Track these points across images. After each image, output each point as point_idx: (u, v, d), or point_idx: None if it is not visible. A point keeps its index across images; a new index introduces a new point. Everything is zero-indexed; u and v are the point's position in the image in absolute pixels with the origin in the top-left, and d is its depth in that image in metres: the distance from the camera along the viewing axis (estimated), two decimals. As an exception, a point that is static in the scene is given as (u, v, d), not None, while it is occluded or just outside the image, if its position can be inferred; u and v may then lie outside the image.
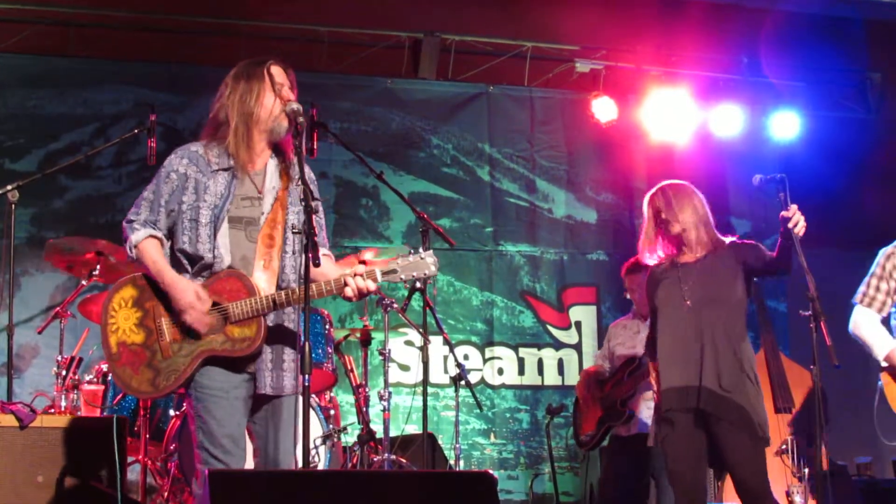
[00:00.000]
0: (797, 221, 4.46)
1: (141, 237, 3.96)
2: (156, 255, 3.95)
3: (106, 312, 3.99)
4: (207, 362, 3.92)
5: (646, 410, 6.02)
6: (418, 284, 5.68)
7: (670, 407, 4.79)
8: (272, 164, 4.08)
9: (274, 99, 4.01)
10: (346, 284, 3.88)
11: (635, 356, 6.05)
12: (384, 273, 3.90)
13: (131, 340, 3.95)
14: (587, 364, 8.28)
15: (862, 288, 5.23)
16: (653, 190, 5.05)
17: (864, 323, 5.18)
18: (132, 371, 3.93)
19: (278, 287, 4.00)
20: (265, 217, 4.01)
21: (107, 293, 4.06)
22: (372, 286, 3.89)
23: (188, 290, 3.88)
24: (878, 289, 5.18)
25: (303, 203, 3.80)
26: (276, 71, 4.06)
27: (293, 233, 3.98)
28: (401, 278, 3.93)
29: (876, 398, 5.20)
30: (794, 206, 4.48)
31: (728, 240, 4.96)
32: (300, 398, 3.83)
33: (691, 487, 4.77)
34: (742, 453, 4.70)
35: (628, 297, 6.34)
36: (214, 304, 3.93)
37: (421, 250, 3.94)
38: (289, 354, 4.01)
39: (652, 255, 5.02)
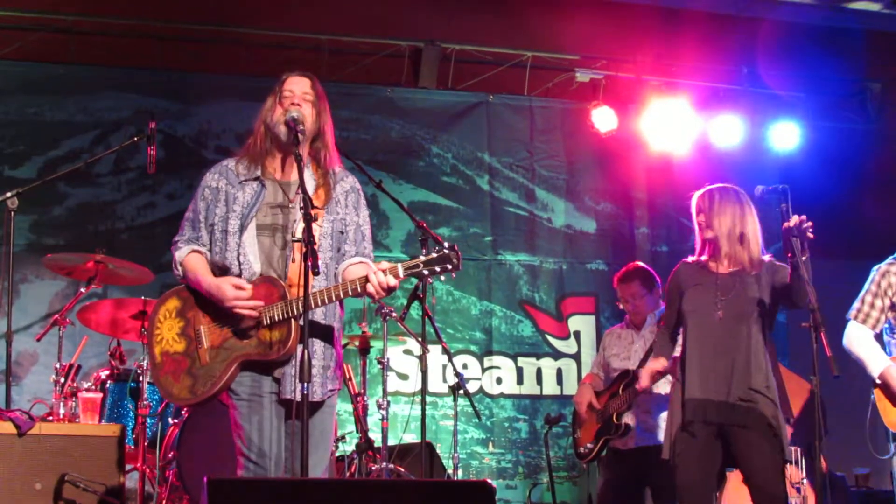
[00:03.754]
0: (808, 226, 4.44)
1: (184, 253, 4.12)
2: (195, 265, 4.08)
3: (152, 324, 4.15)
4: (243, 368, 4.01)
5: (642, 424, 6.00)
6: (419, 292, 5.69)
7: (693, 419, 4.72)
8: (307, 175, 4.14)
9: (276, 105, 4.16)
10: (368, 281, 3.93)
11: (629, 369, 6.04)
12: (407, 269, 3.93)
13: (173, 350, 4.09)
14: (586, 374, 8.26)
15: (856, 304, 5.25)
16: (701, 190, 4.96)
17: (859, 339, 5.21)
18: (173, 379, 4.07)
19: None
20: (298, 224, 4.04)
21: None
22: (393, 282, 3.91)
23: (223, 286, 3.97)
24: (872, 305, 5.20)
25: (323, 213, 3.93)
26: (289, 81, 4.21)
27: (292, 241, 4.03)
28: (424, 273, 3.94)
29: (868, 412, 5.22)
30: (795, 217, 4.47)
31: (766, 258, 4.87)
32: (325, 409, 4.07)
33: (699, 501, 4.74)
34: (762, 459, 4.67)
35: (621, 307, 6.34)
36: None
37: (445, 245, 3.96)
38: (316, 360, 4.04)
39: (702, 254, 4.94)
